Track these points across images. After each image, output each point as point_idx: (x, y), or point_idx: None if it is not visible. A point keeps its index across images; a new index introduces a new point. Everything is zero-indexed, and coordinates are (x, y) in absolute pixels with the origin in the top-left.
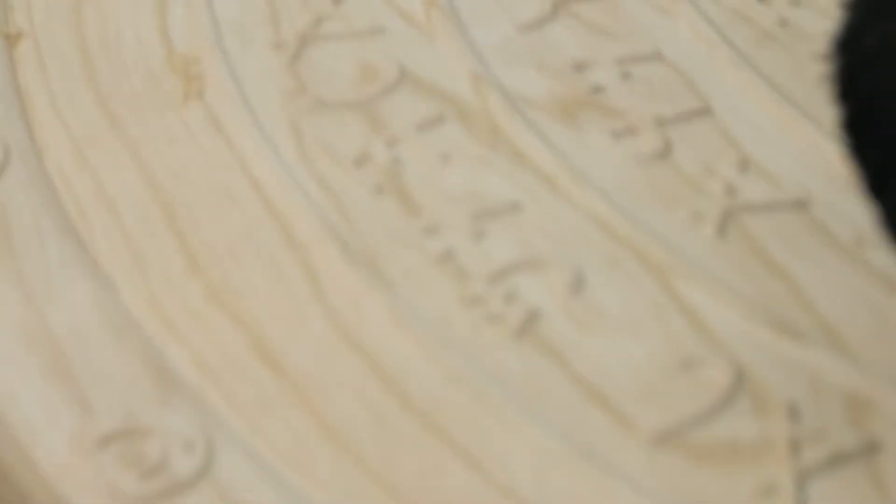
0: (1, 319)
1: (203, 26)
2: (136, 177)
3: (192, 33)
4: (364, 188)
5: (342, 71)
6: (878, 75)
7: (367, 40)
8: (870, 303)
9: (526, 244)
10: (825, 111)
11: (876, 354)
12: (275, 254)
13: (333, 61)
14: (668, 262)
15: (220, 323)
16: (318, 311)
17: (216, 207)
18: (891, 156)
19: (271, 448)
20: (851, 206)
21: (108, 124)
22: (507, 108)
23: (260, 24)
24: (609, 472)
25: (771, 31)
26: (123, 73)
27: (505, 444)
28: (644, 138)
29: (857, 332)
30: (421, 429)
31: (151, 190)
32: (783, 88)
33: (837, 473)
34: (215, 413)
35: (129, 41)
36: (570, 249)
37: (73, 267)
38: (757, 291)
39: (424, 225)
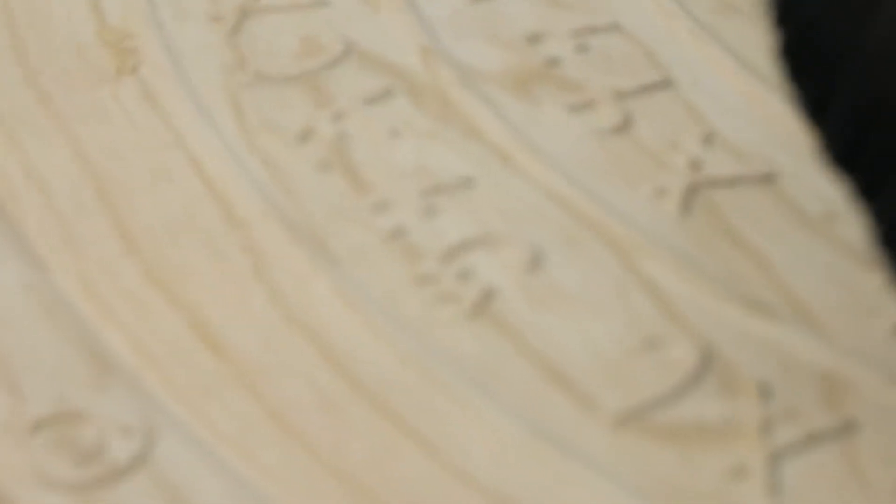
0: None
1: None
2: (68, 155)
3: (125, 6)
4: (309, 164)
5: (284, 44)
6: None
7: (310, 12)
8: (841, 278)
9: (480, 221)
10: None
11: (849, 332)
12: (215, 233)
13: (275, 34)
14: (630, 238)
15: (157, 304)
16: (261, 291)
17: (152, 186)
18: (829, 81)
19: (214, 433)
20: (820, 180)
21: (37, 102)
22: (459, 81)
23: None
24: (570, 455)
25: (733, 1)
26: (53, 49)
27: (460, 427)
28: (602, 112)
29: (829, 309)
30: (371, 412)
31: (84, 169)
32: (747, 60)
33: (811, 455)
34: (154, 397)
35: (58, 15)
36: (527, 226)
37: (1, 247)
38: (723, 268)
39: (373, 202)
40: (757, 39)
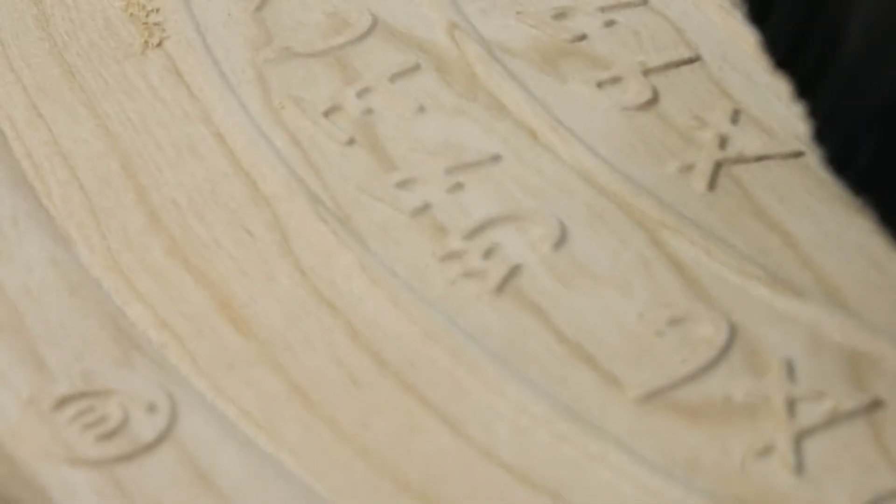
0: None
1: None
2: (93, 130)
3: None
4: (335, 140)
5: (311, 19)
6: None
7: None
8: (869, 256)
9: (506, 197)
10: None
11: (876, 310)
12: (240, 209)
13: (301, 10)
14: (657, 215)
15: (182, 280)
16: (286, 267)
17: (178, 161)
18: None
19: (237, 409)
20: None
21: (62, 76)
22: (486, 56)
23: None
24: (595, 432)
25: None
26: (79, 23)
27: (484, 404)
28: (630, 88)
29: (857, 287)
30: (396, 388)
31: (109, 143)
32: None
33: (837, 433)
34: (178, 373)
35: None
36: (553, 203)
37: (26, 223)
38: (751, 245)
39: (399, 178)
40: None
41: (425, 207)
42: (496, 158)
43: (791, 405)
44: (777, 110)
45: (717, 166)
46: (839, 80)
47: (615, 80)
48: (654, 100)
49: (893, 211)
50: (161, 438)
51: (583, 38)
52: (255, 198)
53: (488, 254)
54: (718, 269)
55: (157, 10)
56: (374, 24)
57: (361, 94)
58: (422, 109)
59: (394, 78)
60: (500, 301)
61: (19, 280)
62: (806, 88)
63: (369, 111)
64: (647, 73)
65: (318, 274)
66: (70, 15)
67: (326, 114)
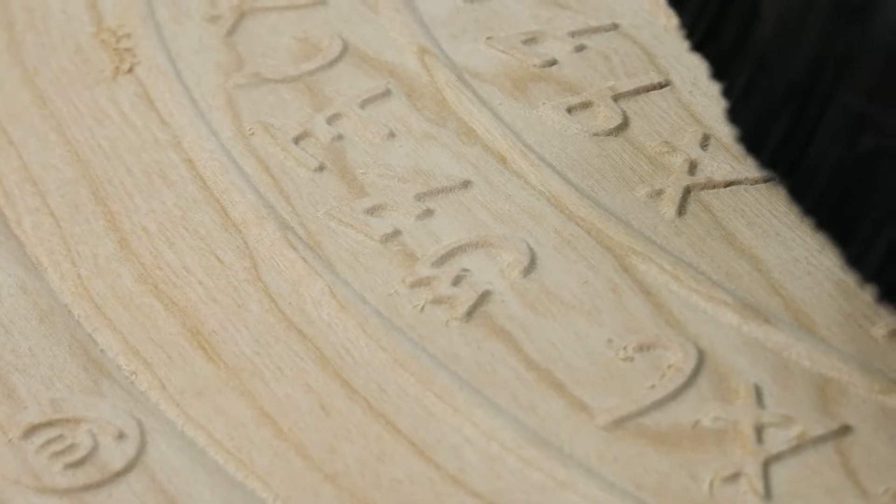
0: None
1: None
2: (64, 156)
3: (122, 6)
4: (304, 167)
5: (281, 45)
6: None
7: (308, 12)
8: (838, 283)
9: (475, 224)
10: None
11: (844, 336)
12: (210, 235)
13: (272, 35)
14: (626, 240)
15: (152, 307)
16: (256, 294)
17: (148, 187)
18: None
19: (207, 436)
20: None
21: (33, 102)
22: (456, 82)
23: None
24: (564, 459)
25: None
26: (50, 49)
27: (453, 431)
28: (600, 113)
29: (825, 314)
30: (365, 415)
31: (80, 169)
32: None
33: (805, 459)
34: (147, 400)
35: (56, 15)
36: (522, 229)
37: None
38: (720, 271)
39: (368, 204)
40: None
41: (395, 234)
42: (466, 184)
43: (759, 431)
44: None
45: (687, 192)
46: (752, 61)
47: (585, 106)
48: (623, 125)
49: (801, 186)
50: (130, 466)
51: (553, 63)
52: (226, 224)
53: (458, 280)
54: (687, 295)
55: (129, 36)
56: (345, 49)
57: (331, 119)
58: (392, 135)
59: (364, 104)
60: (470, 327)
61: None
62: (721, 68)
63: (339, 137)
64: (617, 98)
65: (287, 301)
66: (41, 40)
67: (296, 140)
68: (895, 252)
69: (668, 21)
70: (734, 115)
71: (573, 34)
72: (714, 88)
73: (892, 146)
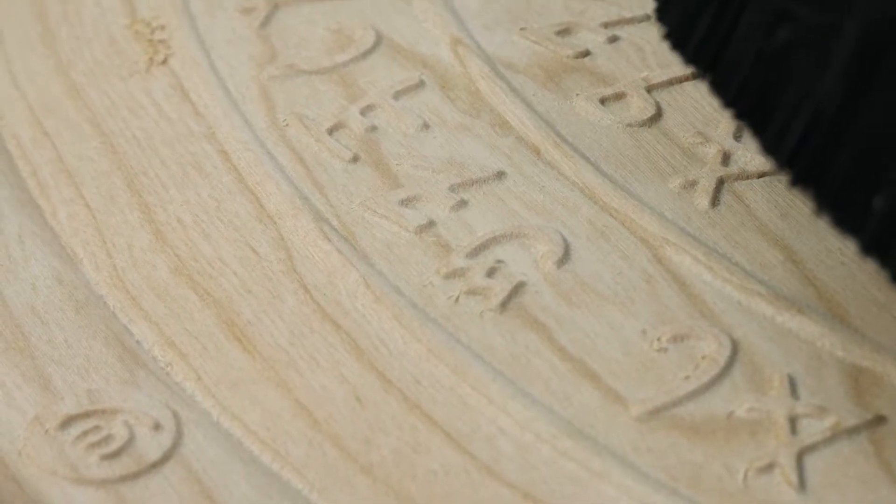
0: None
1: None
2: (99, 147)
3: None
4: (339, 158)
5: (315, 36)
6: None
7: (341, 4)
8: (871, 273)
9: (509, 215)
10: None
11: (878, 326)
12: (245, 227)
13: (306, 26)
14: (660, 231)
15: (187, 298)
16: (291, 285)
17: (183, 179)
18: None
19: (243, 427)
20: None
21: (67, 93)
22: (489, 73)
23: None
24: (598, 450)
25: None
26: (84, 41)
27: (488, 421)
28: (633, 104)
29: (858, 304)
30: (400, 406)
31: (114, 161)
32: None
33: (839, 450)
34: (183, 391)
35: (89, 7)
36: (556, 220)
37: (32, 242)
38: (753, 262)
39: (403, 196)
40: None
41: (429, 225)
42: (500, 175)
43: (793, 422)
44: None
45: (720, 183)
46: None
47: (618, 97)
48: (657, 116)
49: (722, 79)
50: (166, 457)
51: (586, 54)
52: (260, 215)
53: (492, 272)
54: (721, 285)
55: (163, 28)
56: (378, 40)
57: (365, 111)
58: (426, 126)
59: (398, 95)
60: (504, 318)
61: (25, 299)
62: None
63: (373, 128)
64: (650, 89)
65: (322, 292)
66: (75, 32)
67: (330, 131)
68: (809, 135)
69: None
70: (661, 14)
71: (606, 25)
72: None
73: (806, 36)
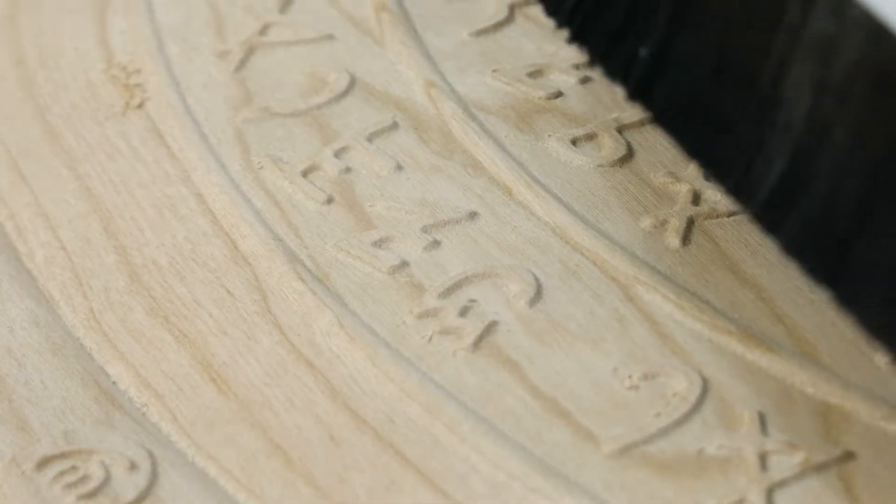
0: None
1: (144, 35)
2: (75, 191)
3: (133, 42)
4: (313, 200)
5: (290, 79)
6: None
7: (315, 47)
8: (840, 312)
9: (482, 255)
10: None
11: (847, 363)
12: (220, 268)
13: (281, 70)
14: (631, 271)
15: (163, 339)
16: (265, 326)
17: (158, 221)
18: None
19: (218, 467)
20: None
21: (45, 137)
22: (462, 114)
23: (204, 32)
24: (570, 487)
25: None
26: (62, 84)
27: (461, 460)
28: (605, 144)
29: (828, 341)
30: (374, 445)
31: (91, 204)
32: None
33: (808, 485)
34: (159, 431)
35: (67, 51)
36: (528, 259)
37: (9, 284)
38: (724, 300)
39: (376, 237)
40: None
41: (403, 265)
42: (473, 216)
43: (763, 458)
44: None
45: (691, 222)
46: None
47: (590, 137)
48: (628, 156)
49: (587, 35)
50: (142, 497)
51: (558, 95)
52: (235, 257)
53: (465, 311)
54: (692, 324)
55: (139, 72)
56: (352, 83)
57: (339, 153)
58: (399, 168)
59: (371, 137)
60: (477, 357)
61: (2, 341)
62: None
63: (347, 170)
64: (621, 129)
65: (297, 333)
66: (52, 76)
67: (305, 173)
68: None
69: None
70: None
71: (578, 66)
72: None
73: None
